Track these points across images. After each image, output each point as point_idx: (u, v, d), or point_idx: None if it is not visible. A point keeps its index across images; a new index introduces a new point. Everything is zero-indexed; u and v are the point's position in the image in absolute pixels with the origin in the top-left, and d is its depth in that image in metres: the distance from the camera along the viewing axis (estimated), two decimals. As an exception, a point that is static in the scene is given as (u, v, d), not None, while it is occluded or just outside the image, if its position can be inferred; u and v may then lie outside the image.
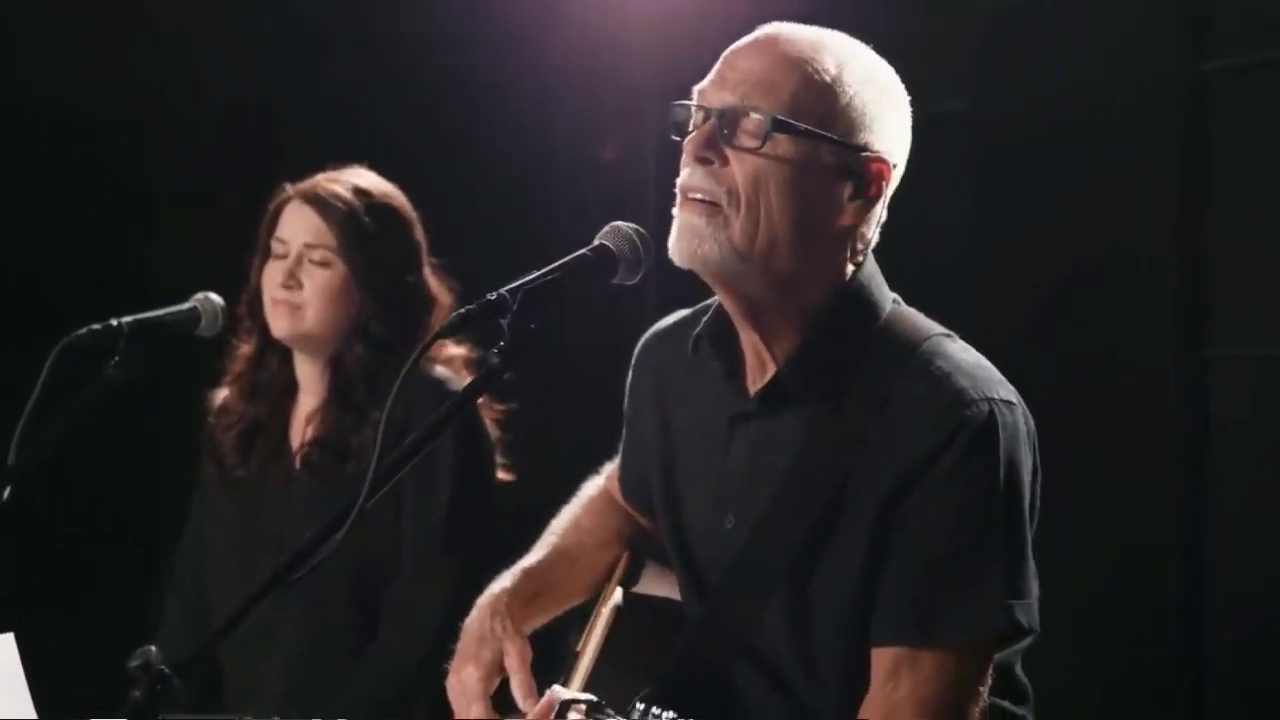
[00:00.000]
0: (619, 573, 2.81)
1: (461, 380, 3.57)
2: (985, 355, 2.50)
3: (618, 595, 2.64)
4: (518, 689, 2.65)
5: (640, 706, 2.15)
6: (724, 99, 2.43)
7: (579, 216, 4.45)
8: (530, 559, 2.80)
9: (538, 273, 2.34)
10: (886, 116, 2.47)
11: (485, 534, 3.55)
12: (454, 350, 3.62)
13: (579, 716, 2.27)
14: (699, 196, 2.42)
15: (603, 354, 4.30)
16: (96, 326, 3.13)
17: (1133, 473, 3.95)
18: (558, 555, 2.80)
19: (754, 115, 2.40)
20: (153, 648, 2.11)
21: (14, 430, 3.03)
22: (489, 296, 2.30)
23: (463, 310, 2.30)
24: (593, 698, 2.38)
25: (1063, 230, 4.02)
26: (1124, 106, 3.97)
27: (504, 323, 2.30)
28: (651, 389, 2.67)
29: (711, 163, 2.42)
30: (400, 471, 2.30)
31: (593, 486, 2.90)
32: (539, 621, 2.76)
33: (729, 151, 2.42)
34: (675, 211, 2.45)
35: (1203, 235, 3.90)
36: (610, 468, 2.89)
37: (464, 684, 2.68)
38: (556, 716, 2.34)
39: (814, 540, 2.43)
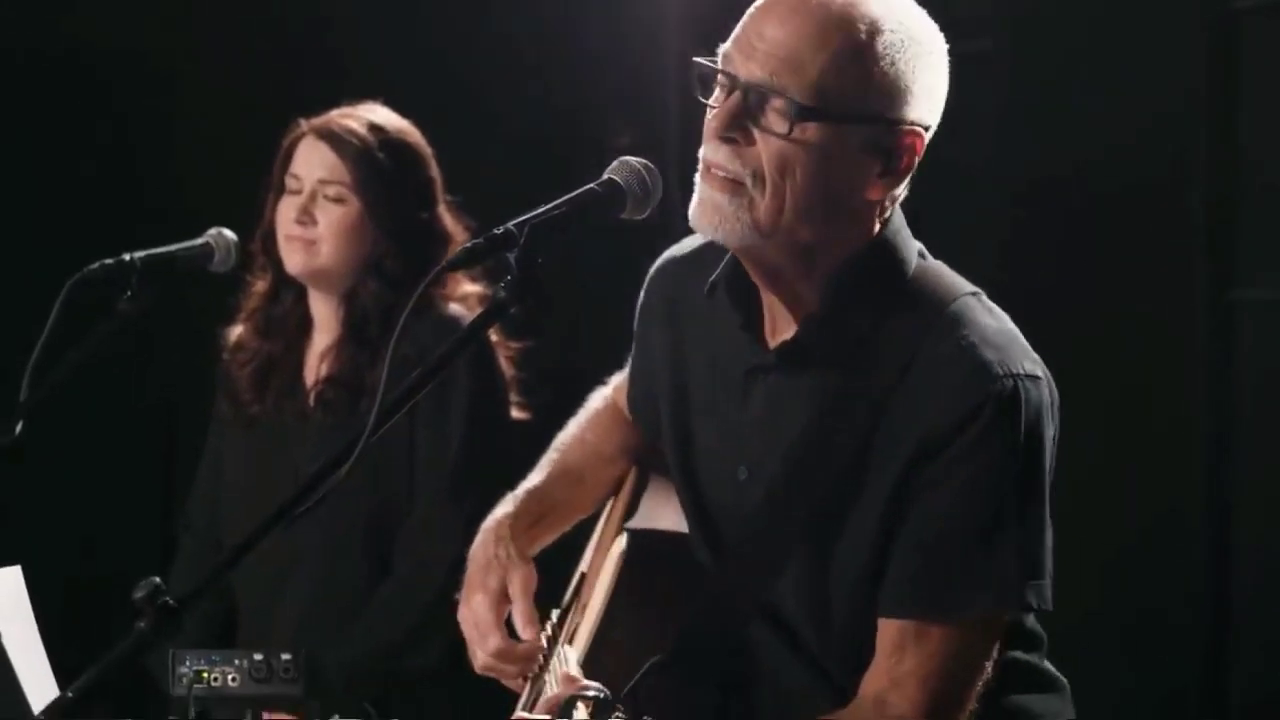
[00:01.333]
0: (626, 489, 2.78)
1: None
2: (1010, 299, 2.45)
3: (626, 540, 2.59)
4: (519, 617, 2.63)
5: None
6: (751, 72, 2.33)
7: (598, 150, 4.43)
8: (534, 479, 2.77)
9: (545, 207, 2.31)
10: (921, 81, 2.36)
11: (499, 473, 3.52)
12: (469, 288, 3.60)
13: (584, 717, 2.26)
14: (722, 173, 2.35)
15: (619, 290, 4.28)
16: (109, 261, 3.10)
17: (1158, 418, 3.91)
18: (562, 473, 2.77)
19: (781, 99, 2.31)
20: (156, 578, 2.10)
21: (26, 366, 3.01)
22: (495, 231, 2.27)
23: (469, 244, 2.27)
24: (601, 690, 2.35)
25: (1090, 171, 3.97)
26: (1153, 47, 3.91)
27: (511, 257, 2.27)
28: (664, 317, 2.61)
29: (736, 142, 2.34)
30: (405, 406, 2.28)
31: (599, 399, 2.84)
32: (545, 541, 2.73)
33: (754, 131, 2.33)
34: (697, 180, 2.38)
35: (1231, 176, 3.85)
36: (618, 379, 2.82)
37: (475, 613, 2.66)
38: (562, 712, 2.33)
39: (830, 503, 2.39)
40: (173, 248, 3.21)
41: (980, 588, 2.34)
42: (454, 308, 3.56)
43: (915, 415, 2.34)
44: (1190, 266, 3.90)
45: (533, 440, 3.56)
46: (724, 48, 2.38)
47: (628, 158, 2.39)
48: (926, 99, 2.38)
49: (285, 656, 2.85)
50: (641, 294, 2.68)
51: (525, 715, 2.46)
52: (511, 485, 2.82)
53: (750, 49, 2.34)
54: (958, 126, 2.47)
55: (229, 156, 4.59)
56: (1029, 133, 4.11)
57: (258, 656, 2.85)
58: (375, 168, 3.54)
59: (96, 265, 3.10)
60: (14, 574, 2.41)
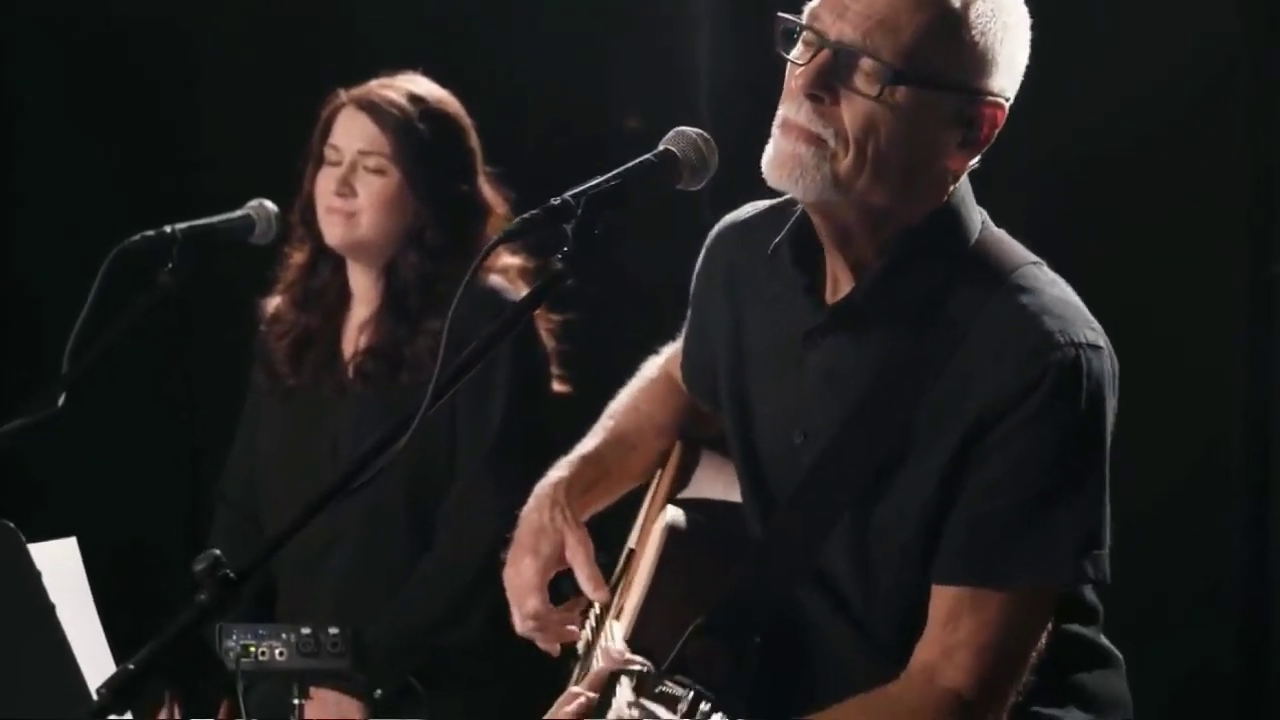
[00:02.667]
0: (674, 460, 2.76)
1: (517, 289, 3.54)
2: (1068, 266, 2.44)
3: (671, 513, 2.58)
4: (586, 581, 2.62)
5: (689, 696, 2.13)
6: (842, 32, 2.31)
7: (636, 118, 4.41)
8: (588, 444, 2.75)
9: (601, 178, 2.29)
10: (1008, 52, 2.36)
11: (539, 446, 3.51)
12: (509, 259, 3.58)
13: (627, 691, 2.25)
14: (805, 131, 2.32)
15: (659, 263, 4.26)
16: (150, 233, 3.09)
17: (1197, 393, 3.90)
18: (616, 440, 2.75)
19: (873, 60, 2.29)
20: (216, 551, 2.09)
21: (67, 338, 3.00)
22: (552, 201, 2.25)
23: (526, 215, 2.24)
24: (645, 664, 2.34)
25: (1126, 145, 3.95)
26: (1191, 19, 3.89)
27: (567, 228, 2.25)
28: (723, 283, 2.59)
29: (821, 100, 2.32)
30: (461, 380, 2.26)
31: (652, 368, 2.82)
32: (597, 508, 2.72)
33: (841, 90, 2.31)
34: (775, 133, 2.35)
35: (1272, 150, 3.83)
36: (671, 349, 2.80)
37: (521, 576, 2.65)
38: (609, 682, 2.32)
39: (883, 466, 2.38)
40: (213, 219, 3.21)
41: (1036, 557, 2.33)
42: (494, 279, 3.54)
43: (975, 383, 2.33)
44: (1230, 240, 3.88)
45: (571, 414, 3.58)
46: (811, 5, 2.37)
47: (684, 128, 2.37)
48: (1010, 70, 2.37)
49: (333, 631, 2.84)
50: (700, 260, 2.66)
51: (575, 689, 2.45)
52: (552, 459, 2.81)
53: (842, 8, 2.32)
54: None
55: (254, 128, 4.60)
56: (1064, 106, 4.08)
57: (305, 631, 2.83)
58: (415, 138, 3.51)
59: (137, 237, 3.09)
60: (69, 545, 2.40)
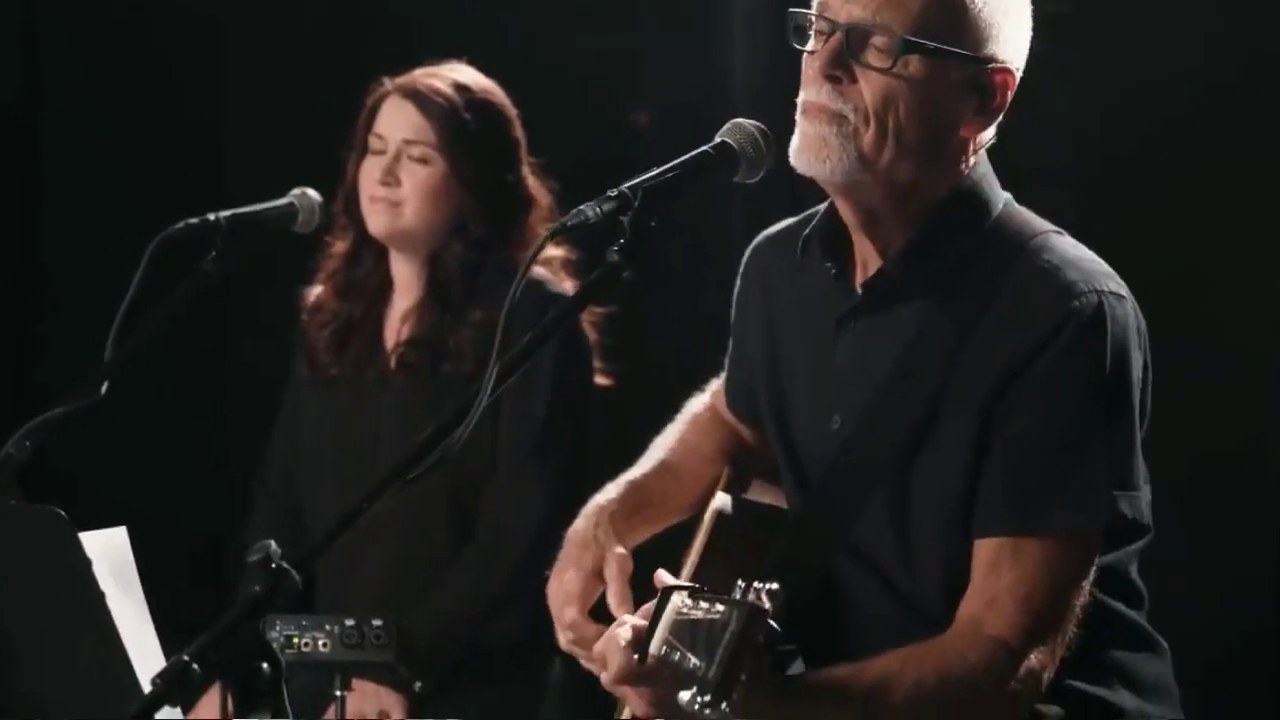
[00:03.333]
0: (721, 488, 2.77)
1: (560, 281, 3.52)
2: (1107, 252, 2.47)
3: (720, 498, 2.59)
4: (613, 596, 2.60)
5: (742, 585, 2.12)
6: (851, 13, 2.40)
7: (670, 110, 4.40)
8: (635, 471, 2.77)
9: (658, 169, 2.29)
10: (1012, 22, 2.45)
11: (582, 440, 3.51)
12: (552, 251, 3.55)
13: (682, 596, 2.22)
14: (824, 110, 2.39)
15: (699, 259, 4.25)
16: (194, 220, 3.06)
17: (1244, 381, 3.88)
18: (662, 469, 2.77)
19: (884, 34, 2.37)
20: (271, 542, 2.07)
21: (94, 329, 2.98)
22: (609, 193, 2.25)
23: (582, 207, 2.24)
24: (694, 584, 2.33)
25: (1168, 133, 3.92)
26: (1238, 12, 3.87)
27: (624, 220, 2.25)
28: (759, 291, 2.65)
29: (839, 80, 2.39)
30: (519, 370, 2.25)
31: (698, 404, 2.86)
32: (642, 535, 2.73)
33: (856, 69, 2.39)
34: (798, 119, 2.42)
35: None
36: (716, 384, 2.84)
37: (564, 589, 2.65)
38: (660, 599, 2.30)
39: (918, 433, 2.42)
40: (258, 207, 3.18)
41: (1072, 499, 2.37)
42: (538, 270, 3.52)
43: (1001, 339, 2.38)
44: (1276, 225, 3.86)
45: (612, 408, 3.57)
46: None
47: (741, 120, 2.38)
48: (1015, 41, 2.46)
49: (376, 623, 2.83)
50: (738, 279, 2.71)
51: (628, 617, 2.41)
52: (593, 452, 2.80)
53: None
54: (1034, 86, 2.50)
55: (280, 118, 4.60)
56: (1107, 96, 4.05)
57: (349, 622, 2.82)
58: (461, 128, 3.49)
59: (181, 224, 3.06)
60: (119, 535, 2.38)
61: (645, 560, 2.70)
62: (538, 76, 3.94)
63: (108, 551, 2.34)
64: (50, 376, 4.73)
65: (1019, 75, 2.46)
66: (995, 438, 2.38)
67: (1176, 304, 3.52)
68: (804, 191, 2.56)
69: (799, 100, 2.43)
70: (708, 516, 2.58)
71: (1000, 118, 2.47)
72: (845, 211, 2.48)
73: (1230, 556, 3.87)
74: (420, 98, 3.50)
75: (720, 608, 2.07)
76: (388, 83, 3.56)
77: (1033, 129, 2.65)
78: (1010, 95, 2.45)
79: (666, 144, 2.39)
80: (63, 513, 2.24)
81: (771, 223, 2.75)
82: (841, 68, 2.39)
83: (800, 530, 2.51)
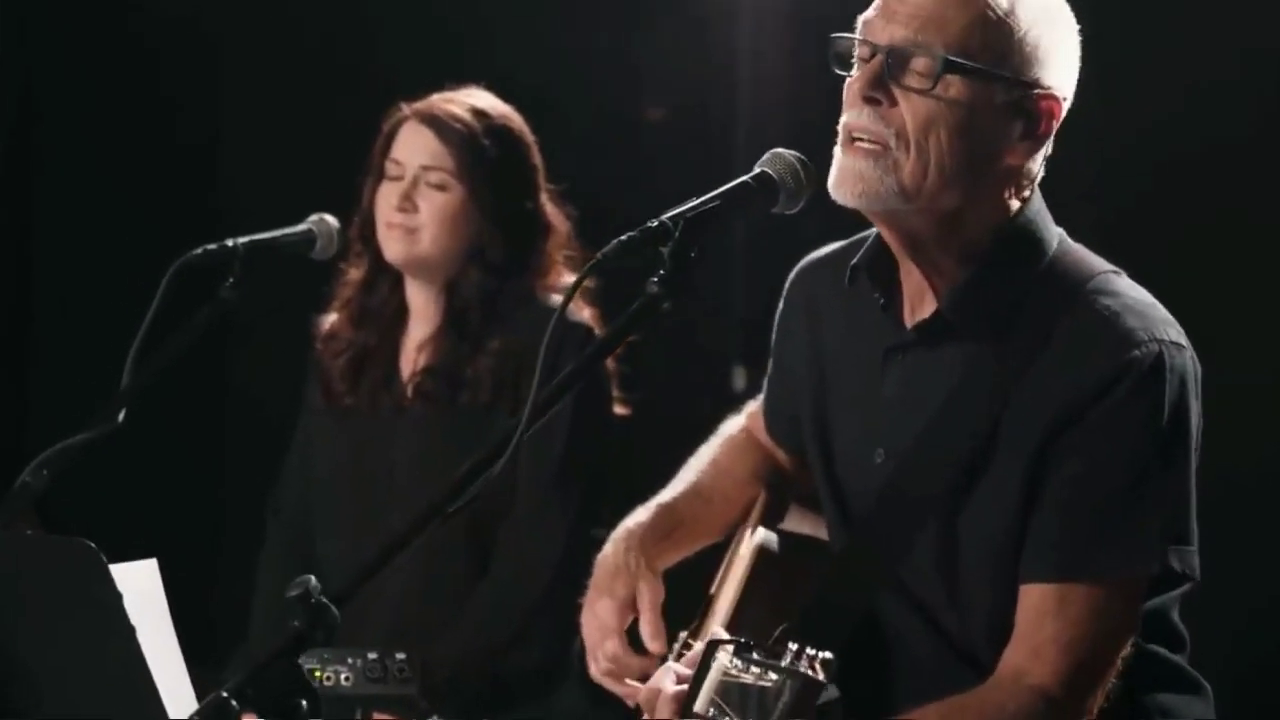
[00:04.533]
0: (756, 513, 2.75)
1: (579, 309, 3.48)
2: (1143, 274, 2.46)
3: (762, 534, 2.56)
4: (646, 628, 2.60)
5: (794, 647, 2.08)
6: (892, 34, 2.37)
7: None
8: (666, 495, 2.75)
9: (699, 200, 2.26)
10: (1058, 49, 2.42)
11: (601, 471, 3.47)
12: (569, 278, 3.52)
13: (728, 655, 2.19)
14: (865, 139, 2.36)
15: (717, 287, 4.23)
16: (212, 247, 3.04)
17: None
18: (694, 493, 2.75)
19: (925, 54, 2.34)
20: (311, 577, 2.04)
21: (127, 352, 2.94)
22: (650, 223, 2.23)
23: (623, 237, 2.21)
24: (740, 639, 2.30)
25: (1212, 138, 3.89)
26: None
27: (664, 251, 2.22)
28: (804, 317, 2.62)
29: (879, 103, 2.36)
30: (559, 401, 2.22)
31: (732, 425, 2.83)
32: (673, 559, 2.71)
33: (897, 91, 2.36)
34: (838, 150, 2.39)
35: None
36: (752, 407, 2.82)
37: (599, 618, 2.63)
38: (705, 655, 2.27)
39: (966, 474, 2.39)
40: (275, 233, 3.15)
41: (1122, 548, 2.34)
42: (555, 299, 3.49)
43: (1056, 383, 2.35)
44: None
45: (633, 436, 3.53)
46: (862, 17, 2.41)
47: (780, 150, 2.35)
48: (1064, 70, 2.43)
49: (400, 656, 2.79)
50: (781, 302, 2.69)
51: (673, 665, 2.38)
52: (613, 482, 2.77)
53: (890, 12, 2.38)
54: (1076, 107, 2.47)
55: (278, 145, 4.57)
56: (1143, 96, 4.02)
57: (372, 655, 2.78)
58: (480, 154, 3.46)
59: (200, 250, 3.04)
60: (149, 567, 2.34)
61: (673, 583, 2.68)
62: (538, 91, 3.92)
63: (139, 584, 2.30)
64: (45, 399, 4.71)
65: (1066, 104, 2.42)
66: (1047, 483, 2.35)
67: (1209, 325, 3.48)
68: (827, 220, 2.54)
69: (840, 125, 2.40)
70: (749, 551, 2.54)
71: (1047, 146, 2.43)
72: (891, 240, 2.45)
73: (1274, 595, 3.84)
74: (438, 123, 3.47)
75: (773, 676, 2.03)
76: (405, 108, 3.52)
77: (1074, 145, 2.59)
78: (1056, 123, 2.42)
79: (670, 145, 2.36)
80: (93, 545, 2.20)
81: (775, 252, 2.73)
82: (881, 89, 2.36)
83: (843, 567, 2.48)
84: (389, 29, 4.66)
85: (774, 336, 2.70)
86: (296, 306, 3.72)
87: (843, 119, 2.39)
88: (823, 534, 2.61)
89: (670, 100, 4.64)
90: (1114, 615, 2.35)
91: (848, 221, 2.56)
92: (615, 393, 3.54)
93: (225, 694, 2.00)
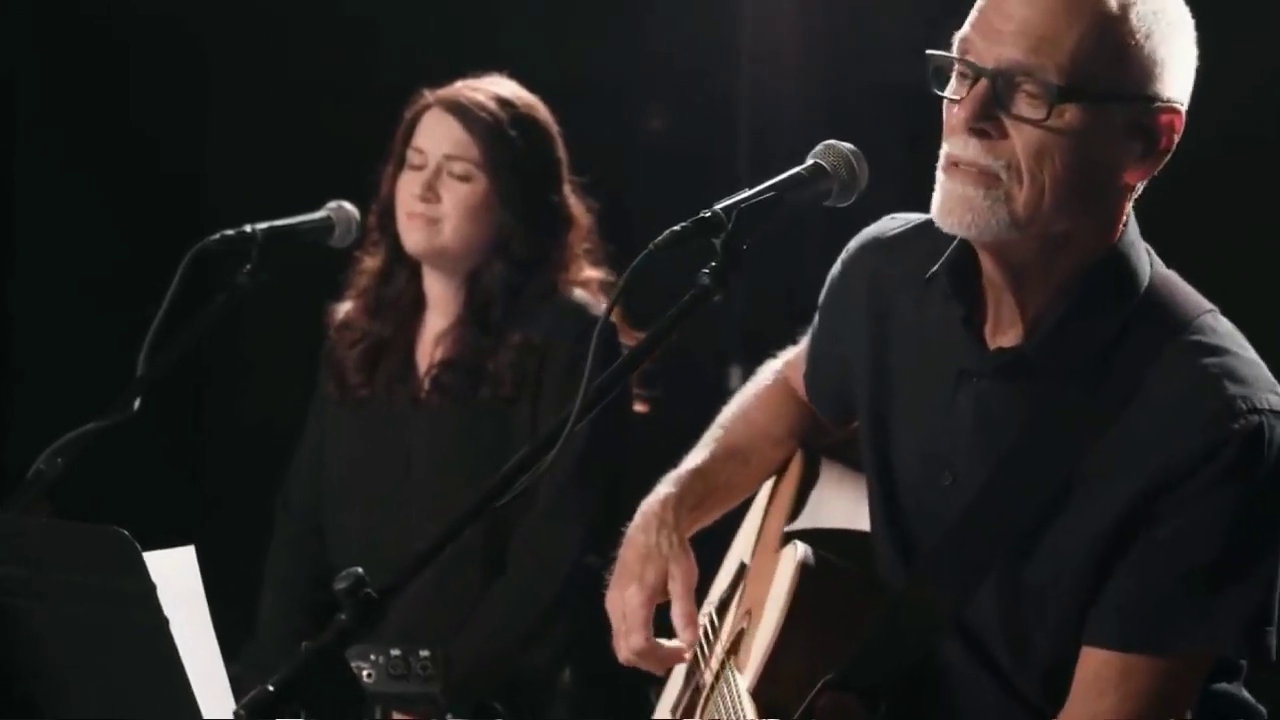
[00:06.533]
0: (791, 475, 2.64)
1: (599, 304, 3.43)
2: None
3: (803, 551, 2.46)
4: (679, 617, 2.50)
5: None
6: (998, 57, 2.19)
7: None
8: (698, 457, 2.63)
9: (751, 190, 2.19)
10: (1176, 55, 2.25)
11: (620, 470, 3.41)
12: (590, 272, 3.47)
13: None
14: (974, 169, 2.21)
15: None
16: (230, 232, 2.97)
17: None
18: (728, 453, 2.64)
19: (1035, 82, 2.17)
20: (360, 570, 1.98)
21: (143, 339, 2.88)
22: (702, 214, 2.15)
23: (675, 228, 2.14)
24: None
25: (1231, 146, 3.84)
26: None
27: (716, 242, 2.15)
28: (866, 298, 2.46)
29: (988, 135, 2.20)
30: (608, 397, 2.17)
31: (767, 373, 2.70)
32: (705, 523, 2.62)
33: (1007, 121, 2.19)
34: (941, 174, 2.24)
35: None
36: (787, 355, 2.69)
37: (627, 604, 2.52)
38: None
39: (1041, 519, 2.26)
40: (293, 220, 3.08)
41: (1201, 626, 2.22)
42: (578, 293, 3.44)
43: (1150, 443, 2.22)
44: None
45: (652, 433, 3.47)
46: (960, 34, 2.24)
47: (833, 141, 2.26)
48: (1182, 76, 2.26)
49: (424, 653, 2.71)
50: (836, 272, 2.54)
51: None
52: (631, 480, 2.70)
53: (995, 32, 2.20)
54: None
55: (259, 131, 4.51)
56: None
57: (395, 652, 2.70)
58: (505, 144, 3.39)
59: (217, 236, 2.97)
60: (186, 555, 2.27)
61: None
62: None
63: (174, 573, 2.22)
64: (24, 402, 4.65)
65: (1184, 111, 2.27)
66: (1127, 545, 2.23)
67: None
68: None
69: (942, 152, 2.24)
70: (788, 574, 2.42)
71: (1165, 161, 2.27)
72: (988, 264, 2.29)
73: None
74: (463, 111, 3.39)
75: None
76: (428, 95, 3.45)
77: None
78: (1177, 136, 2.25)
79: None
80: (127, 534, 2.13)
81: (772, 253, 2.64)
82: (989, 120, 2.19)
83: (902, 606, 2.36)
84: (382, 27, 4.60)
85: (823, 299, 2.55)
86: (288, 296, 3.66)
87: (946, 147, 2.23)
88: (857, 515, 2.50)
89: (670, 102, 4.60)
90: (1177, 693, 2.25)
91: (854, 221, 2.48)
92: (636, 390, 3.49)
93: (271, 688, 1.94)
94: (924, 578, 2.36)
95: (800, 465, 2.66)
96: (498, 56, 3.59)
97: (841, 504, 2.59)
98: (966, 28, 2.24)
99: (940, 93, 2.25)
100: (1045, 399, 2.28)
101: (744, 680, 2.44)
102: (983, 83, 2.20)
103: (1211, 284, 2.39)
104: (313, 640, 2.94)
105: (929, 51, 2.26)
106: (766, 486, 2.71)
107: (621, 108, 4.54)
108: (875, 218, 2.54)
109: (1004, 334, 2.32)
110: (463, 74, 3.49)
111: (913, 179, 2.40)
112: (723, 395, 4.34)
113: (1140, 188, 2.31)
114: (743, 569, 2.67)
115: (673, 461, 2.71)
